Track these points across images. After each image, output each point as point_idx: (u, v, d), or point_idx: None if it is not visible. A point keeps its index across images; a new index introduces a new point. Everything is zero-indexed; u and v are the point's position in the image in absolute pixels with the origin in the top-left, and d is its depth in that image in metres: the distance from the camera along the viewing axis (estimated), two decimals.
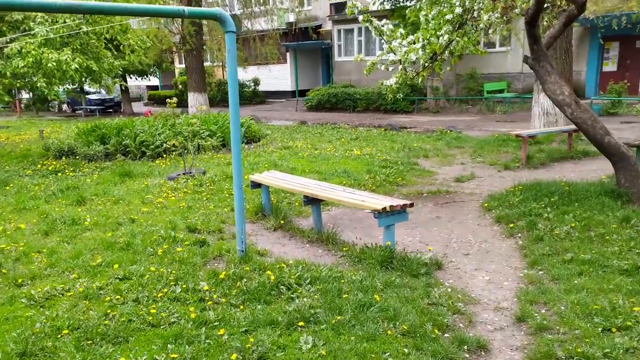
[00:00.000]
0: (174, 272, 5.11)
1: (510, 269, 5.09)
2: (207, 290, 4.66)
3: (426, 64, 7.42)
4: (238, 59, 24.60)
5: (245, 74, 31.88)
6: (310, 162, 10.60)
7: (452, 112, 22.86)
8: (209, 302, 4.42)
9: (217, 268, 5.30)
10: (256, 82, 32.19)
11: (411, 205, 5.26)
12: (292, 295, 4.48)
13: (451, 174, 9.69)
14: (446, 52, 7.52)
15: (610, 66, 22.77)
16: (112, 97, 29.73)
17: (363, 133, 15.67)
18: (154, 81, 39.95)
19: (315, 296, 4.40)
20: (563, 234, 5.71)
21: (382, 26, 7.70)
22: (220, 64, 34.88)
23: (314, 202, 6.29)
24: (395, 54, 7.49)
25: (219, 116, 14.00)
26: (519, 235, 6.00)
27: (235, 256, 5.50)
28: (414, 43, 7.24)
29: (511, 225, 6.26)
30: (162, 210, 7.70)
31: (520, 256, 5.40)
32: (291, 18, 31.10)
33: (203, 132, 12.47)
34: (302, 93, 29.19)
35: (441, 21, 6.69)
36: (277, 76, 33.00)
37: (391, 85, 7.55)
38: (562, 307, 4.06)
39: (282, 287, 4.63)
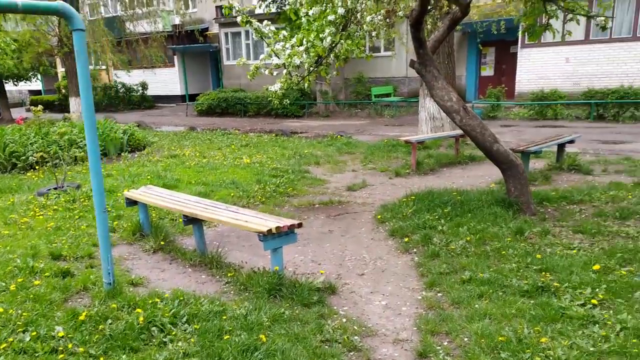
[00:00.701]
0: (25, 313, 4.27)
1: (408, 291, 4.75)
2: (62, 337, 3.90)
3: (311, 68, 7.01)
4: (120, 62, 23.14)
5: (130, 79, 30.22)
6: (197, 173, 9.86)
7: (342, 116, 22.93)
8: (62, 355, 3.67)
9: (79, 306, 4.52)
10: (144, 86, 30.67)
11: (299, 225, 4.77)
12: (164, 339, 3.83)
13: (343, 182, 9.41)
14: (331, 55, 7.19)
15: (487, 71, 23.89)
16: None
17: (254, 139, 15.12)
18: (37, 85, 36.71)
19: (192, 339, 3.78)
20: (459, 248, 5.50)
21: (264, 27, 7.22)
22: (105, 67, 32.84)
23: (195, 221, 5.65)
24: (278, 57, 7.02)
25: (100, 123, 12.81)
26: (415, 250, 5.72)
27: (102, 290, 4.74)
28: (299, 46, 6.81)
29: (406, 239, 5.99)
30: (26, 232, 6.73)
31: (417, 275, 5.10)
32: (177, 20, 29.88)
33: (81, 141, 11.31)
34: (193, 97, 28.13)
35: (324, 22, 6.30)
36: (166, 80, 31.68)
37: (276, 91, 7.06)
38: (466, 339, 3.72)
39: (153, 328, 3.96)
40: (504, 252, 5.31)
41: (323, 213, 7.44)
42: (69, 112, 20.69)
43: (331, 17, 6.20)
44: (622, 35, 18.83)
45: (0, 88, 25.10)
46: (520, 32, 6.74)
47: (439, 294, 4.58)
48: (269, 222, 4.71)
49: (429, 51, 6.41)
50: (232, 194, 8.11)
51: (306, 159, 11.60)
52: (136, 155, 12.19)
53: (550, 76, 20.30)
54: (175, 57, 30.66)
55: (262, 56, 7.27)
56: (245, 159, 11.17)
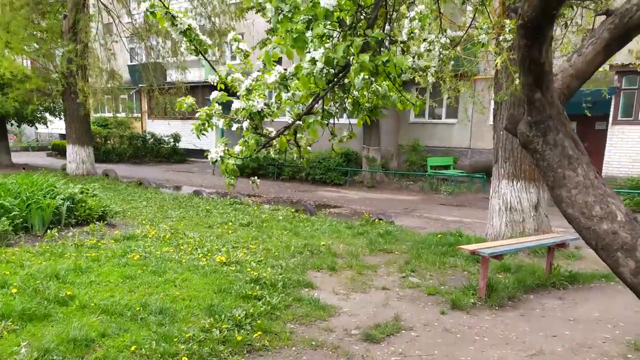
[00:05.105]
0: None
1: None
2: None
3: (294, 120, 3.45)
4: (148, 110, 20.42)
5: (163, 129, 27.83)
6: (124, 280, 6.06)
7: (390, 188, 19.28)
8: None
9: None
10: (176, 138, 27.96)
11: None
12: None
13: (361, 317, 5.57)
14: (347, 100, 3.61)
15: None
16: None
17: (264, 215, 11.50)
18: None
19: None
20: None
21: (233, 43, 3.73)
22: (139, 114, 30.70)
23: None
24: (236, 94, 3.56)
25: (24, 181, 9.28)
26: None
27: None
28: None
29: None
30: None
31: None
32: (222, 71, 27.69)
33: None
34: None
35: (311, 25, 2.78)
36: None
37: (223, 160, 3.48)
38: None
39: None
40: None
41: None
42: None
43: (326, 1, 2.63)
44: None
45: (0, 129, 22.32)
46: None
47: None
48: None
49: (556, 98, 2.63)
50: (134, 347, 4.30)
51: (318, 257, 7.84)
52: (70, 233, 8.51)
53: None
54: None
55: (214, 95, 3.75)
56: (220, 256, 7.35)
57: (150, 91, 21.36)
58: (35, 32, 16.48)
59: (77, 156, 17.62)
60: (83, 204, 9.16)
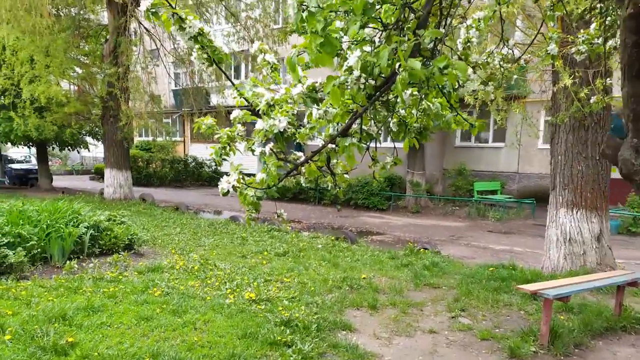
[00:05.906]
0: None
1: None
2: None
3: (326, 142, 2.90)
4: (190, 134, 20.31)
5: (206, 152, 27.80)
6: (140, 321, 5.54)
7: (435, 213, 18.52)
8: None
9: None
10: (218, 161, 27.78)
11: None
12: None
13: None
14: (392, 120, 3.05)
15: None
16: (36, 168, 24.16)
17: (302, 243, 10.93)
18: None
19: None
20: None
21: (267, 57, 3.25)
22: (182, 138, 30.90)
23: None
24: (256, 112, 3.06)
25: (61, 209, 8.76)
26: None
27: None
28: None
29: None
30: None
31: None
32: None
33: (1, 239, 7.33)
34: None
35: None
36: (243, 158, 28.84)
37: (244, 193, 2.96)
38: None
39: None
40: None
41: None
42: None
43: None
44: None
45: (42, 152, 22.75)
46: None
47: None
48: None
49: None
50: None
51: (358, 293, 7.19)
52: (92, 265, 7.98)
53: None
54: None
55: (235, 114, 3.27)
56: (250, 293, 6.77)
57: (191, 115, 21.34)
58: (77, 56, 16.64)
59: (114, 180, 17.53)
60: (109, 232, 8.74)
